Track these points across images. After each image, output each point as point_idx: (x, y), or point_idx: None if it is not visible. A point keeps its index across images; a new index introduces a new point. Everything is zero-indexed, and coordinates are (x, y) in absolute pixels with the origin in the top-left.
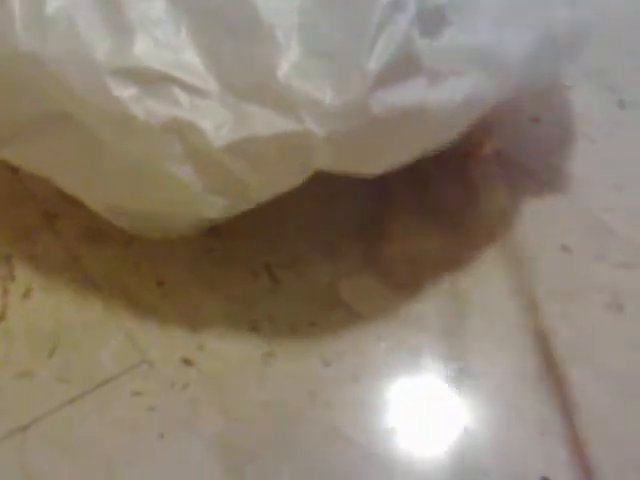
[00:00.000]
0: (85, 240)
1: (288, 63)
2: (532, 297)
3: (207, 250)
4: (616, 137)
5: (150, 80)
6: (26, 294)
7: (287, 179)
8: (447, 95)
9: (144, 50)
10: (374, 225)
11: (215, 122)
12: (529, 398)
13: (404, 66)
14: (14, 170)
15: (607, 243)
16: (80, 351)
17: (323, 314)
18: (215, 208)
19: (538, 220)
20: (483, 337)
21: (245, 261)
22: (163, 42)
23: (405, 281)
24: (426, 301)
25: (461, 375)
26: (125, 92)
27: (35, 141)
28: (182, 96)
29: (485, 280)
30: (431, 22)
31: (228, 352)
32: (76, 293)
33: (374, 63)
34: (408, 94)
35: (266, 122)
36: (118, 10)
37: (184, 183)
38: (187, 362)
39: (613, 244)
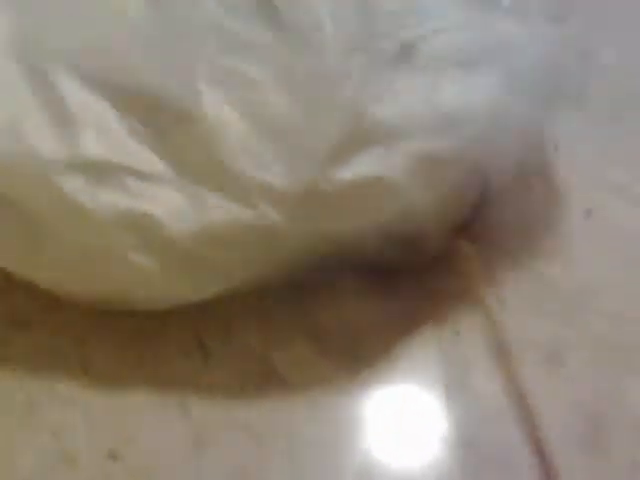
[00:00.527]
0: (9, 328)
1: (237, 144)
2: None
3: (138, 328)
4: None
5: (99, 171)
6: None
7: (256, 264)
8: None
9: (89, 141)
10: (309, 289)
11: (170, 210)
12: None
13: (355, 140)
14: None
15: None
16: (2, 449)
17: (257, 388)
18: (182, 292)
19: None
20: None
21: (175, 334)
22: (107, 131)
23: (342, 349)
24: (364, 371)
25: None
26: (73, 185)
27: None
28: (133, 184)
29: (419, 346)
30: (384, 84)
31: (157, 443)
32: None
33: (323, 141)
34: (362, 167)
35: (221, 208)
36: (60, 104)
37: (144, 270)
38: (113, 456)
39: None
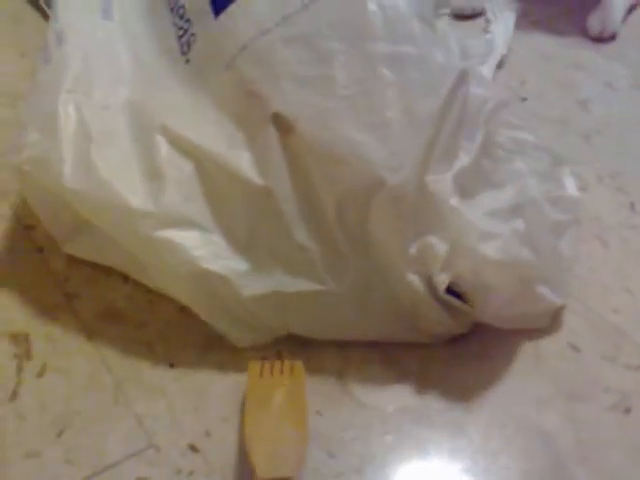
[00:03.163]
0: (102, 320)
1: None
2: (540, 396)
3: (219, 335)
4: (628, 240)
5: (182, 226)
6: (40, 373)
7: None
8: None
9: (174, 197)
10: None
11: (239, 274)
12: None
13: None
14: (39, 250)
15: (616, 345)
16: (88, 433)
17: (330, 403)
18: (243, 340)
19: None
20: (490, 435)
21: (256, 346)
22: (190, 190)
23: (414, 373)
24: (435, 394)
25: (465, 475)
26: (157, 234)
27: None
28: (207, 243)
29: (493, 376)
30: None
31: (235, 440)
32: (89, 374)
33: None
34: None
35: (287, 278)
36: (152, 160)
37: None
38: (193, 449)
39: (623, 346)
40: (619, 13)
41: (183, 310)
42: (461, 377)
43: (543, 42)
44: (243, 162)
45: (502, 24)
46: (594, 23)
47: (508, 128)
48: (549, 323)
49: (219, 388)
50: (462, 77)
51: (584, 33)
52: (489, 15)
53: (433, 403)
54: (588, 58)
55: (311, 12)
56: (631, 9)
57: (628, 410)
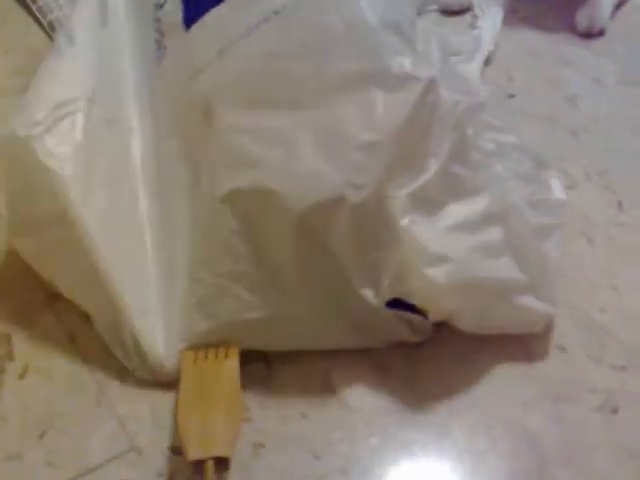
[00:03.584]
0: (85, 322)
1: None
2: (526, 396)
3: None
4: (615, 238)
5: None
6: (22, 375)
7: None
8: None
9: None
10: None
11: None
12: None
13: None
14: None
15: (603, 344)
16: (70, 435)
17: (316, 405)
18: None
19: None
20: (476, 436)
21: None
22: None
23: (400, 374)
24: (420, 396)
25: (452, 475)
26: None
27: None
28: None
29: (479, 376)
30: None
31: None
32: (71, 375)
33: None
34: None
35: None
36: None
37: None
38: (175, 451)
39: (609, 345)
40: (607, 9)
41: None
42: (447, 378)
43: (531, 38)
44: None
45: (489, 20)
46: (582, 19)
47: (488, 130)
48: (542, 329)
49: None
50: (429, 87)
51: (572, 29)
52: (476, 11)
53: (418, 405)
54: (576, 54)
55: (276, 25)
56: (619, 5)
57: (615, 410)
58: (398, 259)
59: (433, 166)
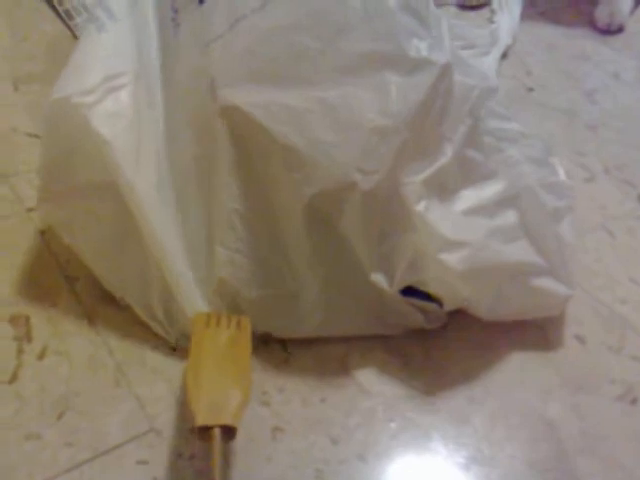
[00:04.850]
0: (103, 303)
1: None
2: (545, 386)
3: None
4: (634, 231)
5: None
6: (41, 355)
7: None
8: None
9: None
10: None
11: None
12: None
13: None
14: (41, 232)
15: (622, 335)
16: (89, 416)
17: (334, 390)
18: None
19: None
20: (495, 424)
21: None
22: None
23: (418, 360)
24: (440, 382)
25: (470, 462)
26: None
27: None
28: None
29: (499, 365)
30: None
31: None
32: (90, 356)
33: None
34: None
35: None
36: None
37: None
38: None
39: (629, 337)
40: (627, 5)
41: None
42: (465, 365)
43: (549, 33)
44: None
45: (507, 14)
46: (602, 15)
47: (494, 118)
48: (559, 312)
49: None
50: (444, 71)
51: (591, 24)
52: (494, 5)
53: (437, 391)
54: (595, 49)
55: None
56: (639, 1)
57: (634, 401)
58: (413, 245)
59: (448, 152)
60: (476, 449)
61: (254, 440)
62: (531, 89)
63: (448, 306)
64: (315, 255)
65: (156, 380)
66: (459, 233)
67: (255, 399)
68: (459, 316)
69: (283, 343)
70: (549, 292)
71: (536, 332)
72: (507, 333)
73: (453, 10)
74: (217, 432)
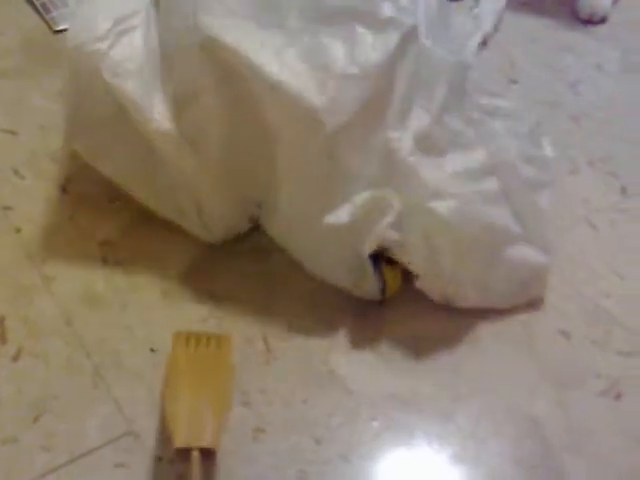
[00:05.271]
0: (80, 303)
1: None
2: (530, 382)
3: (202, 318)
4: (617, 224)
5: None
6: (16, 357)
7: None
8: None
9: None
10: (372, 304)
11: None
12: None
13: None
14: (17, 230)
15: (607, 330)
16: (66, 419)
17: (316, 390)
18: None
19: (538, 303)
20: (480, 422)
21: (241, 330)
22: None
23: (402, 359)
24: (423, 380)
25: (455, 460)
26: None
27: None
28: None
29: (484, 362)
30: None
31: None
32: (66, 358)
33: None
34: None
35: None
36: None
37: None
38: None
39: (613, 331)
40: None
41: (166, 293)
42: (450, 363)
43: (533, 24)
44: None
45: (490, 3)
46: (584, 6)
47: (484, 94)
48: (543, 292)
49: None
50: (411, 32)
51: (574, 15)
52: None
53: (421, 389)
54: (578, 40)
55: None
56: None
57: (619, 396)
58: (403, 197)
59: (426, 117)
60: (461, 447)
61: (235, 441)
62: (514, 81)
63: (423, 281)
64: (285, 171)
65: (134, 382)
66: (447, 186)
67: (236, 400)
68: (443, 314)
69: (265, 342)
70: (527, 261)
71: (520, 327)
72: (492, 329)
73: None
74: (196, 454)
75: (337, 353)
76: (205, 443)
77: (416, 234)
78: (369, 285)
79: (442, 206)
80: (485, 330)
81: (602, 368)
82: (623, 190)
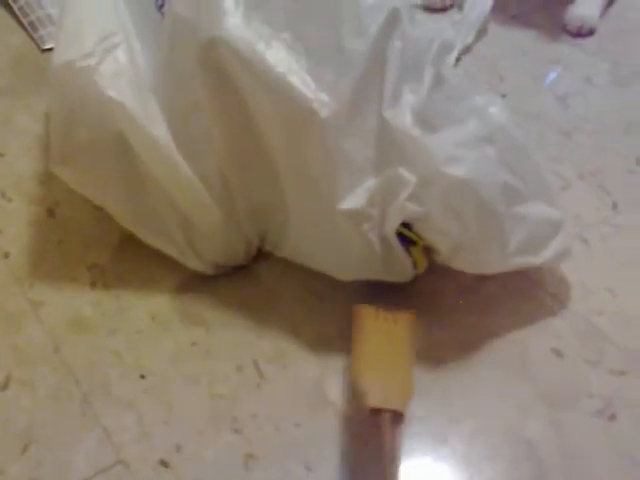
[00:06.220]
0: (69, 329)
1: None
2: (524, 403)
3: (191, 342)
4: (609, 238)
5: None
6: (4, 386)
7: None
8: None
9: None
10: None
11: None
12: None
13: None
14: (5, 255)
15: (600, 349)
16: (54, 449)
17: (309, 414)
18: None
19: (529, 321)
20: (473, 444)
21: (230, 355)
22: None
23: None
24: (416, 404)
25: None
26: None
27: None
28: None
29: (478, 384)
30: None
31: (208, 454)
32: (55, 386)
33: None
34: None
35: None
36: None
37: None
38: (164, 464)
39: (606, 349)
40: (597, 8)
41: (155, 317)
42: (443, 384)
43: (521, 37)
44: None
45: (474, 14)
46: (572, 18)
47: (456, 77)
48: (570, 242)
49: (191, 400)
50: (393, 16)
51: (563, 28)
52: (463, 6)
53: (415, 412)
54: (567, 53)
55: None
56: (610, 3)
57: (613, 417)
58: (416, 171)
59: (414, 98)
60: (456, 470)
61: (225, 469)
62: (504, 95)
63: (443, 254)
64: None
65: (123, 410)
66: (455, 153)
67: (225, 426)
68: (434, 334)
69: (257, 367)
70: (544, 216)
71: (513, 346)
72: (484, 348)
73: (418, 12)
74: (387, 416)
75: (329, 376)
76: (395, 406)
77: (437, 203)
78: (400, 264)
79: (458, 169)
80: (478, 349)
81: (595, 388)
82: (614, 205)
